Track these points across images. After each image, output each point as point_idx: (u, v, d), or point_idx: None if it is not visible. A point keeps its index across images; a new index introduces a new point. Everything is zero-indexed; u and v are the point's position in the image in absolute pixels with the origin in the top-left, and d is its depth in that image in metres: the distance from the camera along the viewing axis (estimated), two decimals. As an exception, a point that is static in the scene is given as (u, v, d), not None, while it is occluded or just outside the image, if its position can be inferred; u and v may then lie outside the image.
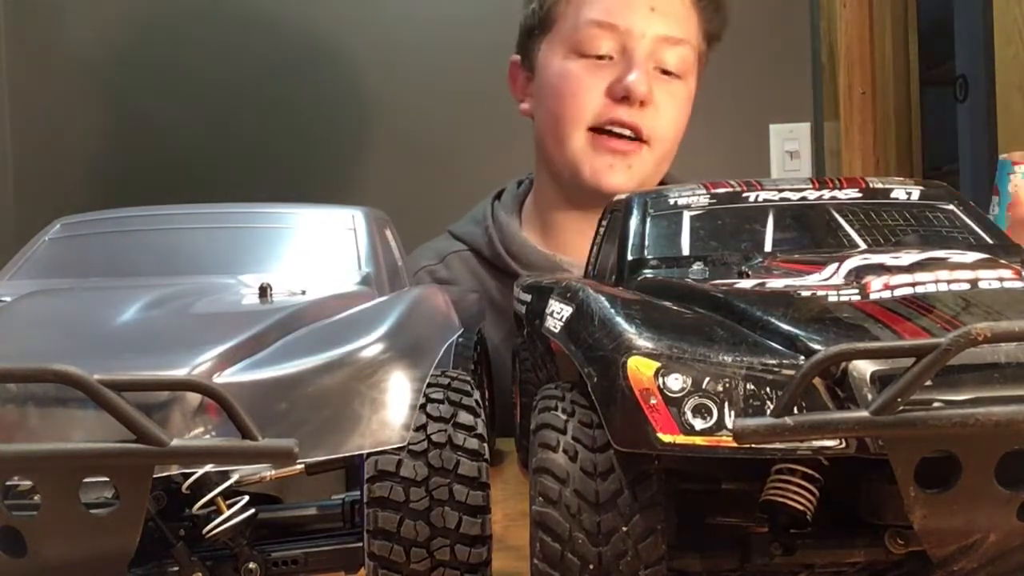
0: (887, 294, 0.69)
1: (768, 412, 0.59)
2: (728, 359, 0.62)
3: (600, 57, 1.46)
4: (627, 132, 1.45)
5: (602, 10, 1.46)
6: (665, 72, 1.47)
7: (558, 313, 0.82)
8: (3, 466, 0.58)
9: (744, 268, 0.85)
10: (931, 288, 0.68)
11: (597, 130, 1.46)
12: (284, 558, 0.70)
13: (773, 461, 0.67)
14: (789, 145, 2.24)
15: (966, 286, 0.68)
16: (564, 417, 0.68)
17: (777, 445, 0.59)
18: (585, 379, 0.68)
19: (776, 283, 0.77)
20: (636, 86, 1.42)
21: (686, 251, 0.93)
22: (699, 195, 0.99)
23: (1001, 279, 0.69)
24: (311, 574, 0.70)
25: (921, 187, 0.98)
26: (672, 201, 0.99)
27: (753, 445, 0.59)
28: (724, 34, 1.59)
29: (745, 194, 0.98)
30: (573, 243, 1.51)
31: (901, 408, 0.56)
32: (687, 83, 1.51)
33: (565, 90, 1.47)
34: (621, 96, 1.43)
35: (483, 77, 1.97)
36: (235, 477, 0.66)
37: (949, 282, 0.69)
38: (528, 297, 1.14)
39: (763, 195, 0.97)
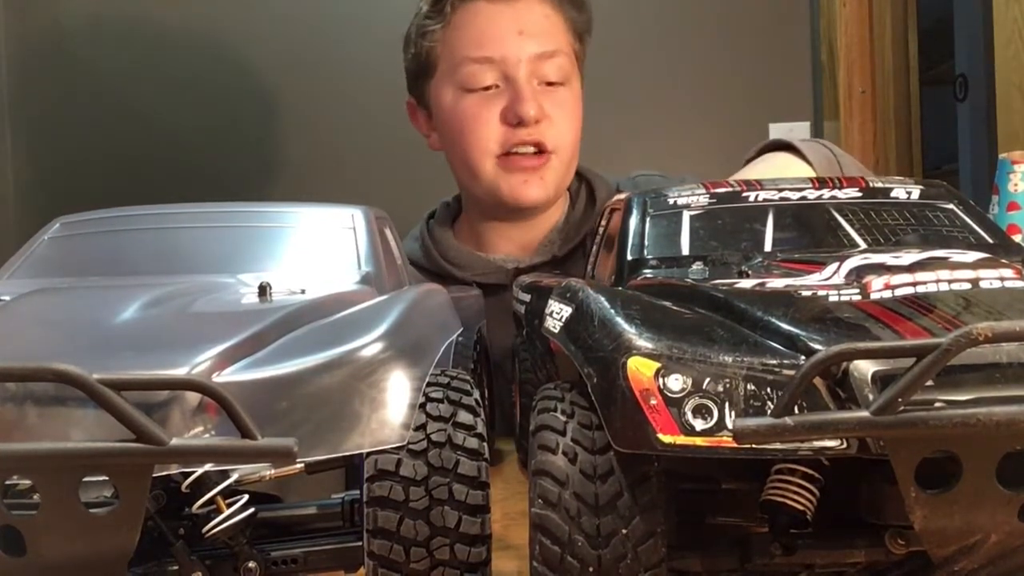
0: (888, 294, 0.69)
1: (768, 412, 0.59)
2: (728, 359, 0.62)
3: (487, 88, 1.53)
4: (531, 149, 1.54)
5: (474, 45, 1.53)
6: (550, 83, 1.55)
7: (558, 313, 0.82)
8: (2, 465, 0.58)
9: (744, 268, 0.85)
10: (932, 288, 0.68)
11: (504, 154, 1.54)
12: (284, 557, 0.69)
13: (773, 461, 0.67)
14: (789, 145, 2.24)
15: (967, 286, 0.68)
16: (563, 419, 0.68)
17: (777, 445, 0.59)
18: (585, 379, 0.68)
19: (776, 283, 0.77)
20: (526, 111, 1.50)
21: (686, 251, 0.93)
22: (699, 195, 0.99)
23: (1002, 278, 0.69)
24: (311, 573, 0.70)
25: (921, 186, 0.98)
26: (672, 201, 0.99)
27: (753, 445, 0.59)
28: (592, 28, 1.66)
29: (745, 194, 0.98)
30: (503, 244, 1.65)
31: (902, 408, 0.56)
32: (571, 86, 1.59)
33: (464, 127, 1.55)
34: (516, 122, 1.51)
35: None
36: (235, 476, 0.66)
37: (950, 282, 0.69)
38: (528, 297, 1.14)
39: (763, 195, 0.97)
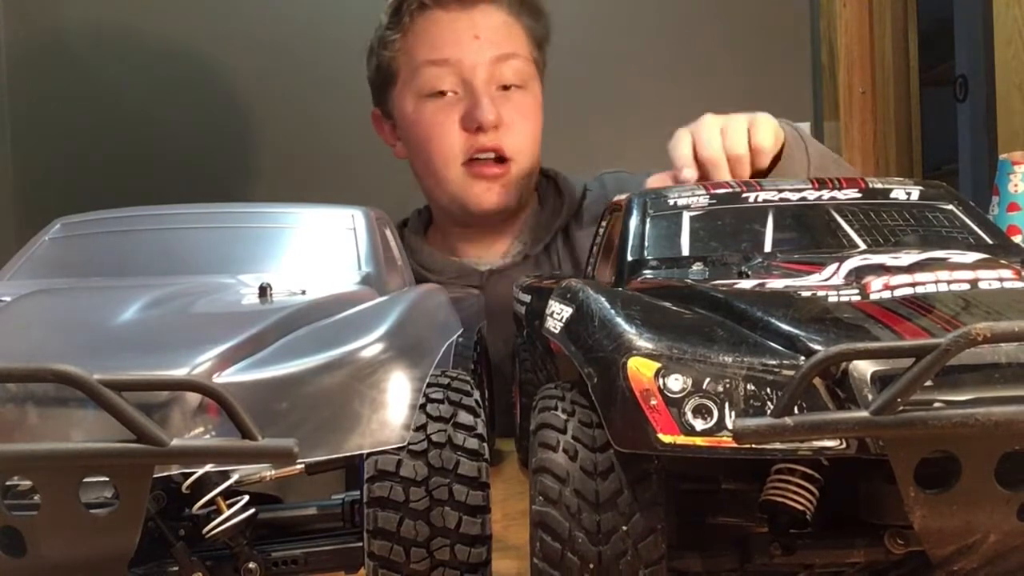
0: (887, 294, 0.69)
1: (768, 412, 0.59)
2: (728, 359, 0.62)
3: (444, 93, 1.55)
4: (492, 155, 1.56)
5: (431, 48, 1.56)
6: (507, 87, 1.57)
7: (558, 314, 0.82)
8: (3, 466, 0.58)
9: (744, 268, 0.85)
10: (931, 288, 0.68)
11: (468, 161, 1.56)
12: (284, 558, 0.69)
13: (773, 461, 0.67)
14: (789, 145, 2.24)
15: (966, 286, 0.68)
16: (564, 417, 0.68)
17: (777, 445, 0.59)
18: (585, 379, 0.68)
19: (776, 283, 0.77)
20: (484, 116, 1.52)
21: (686, 251, 0.93)
22: (699, 195, 0.99)
23: (1001, 279, 0.69)
24: (311, 574, 0.70)
25: (921, 187, 0.98)
26: (672, 202, 0.99)
27: (753, 445, 0.59)
28: (551, 36, 1.68)
29: (745, 194, 0.98)
30: (473, 248, 1.68)
31: (901, 408, 0.56)
32: (531, 90, 1.61)
33: (425, 135, 1.58)
34: (475, 127, 1.53)
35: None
36: (235, 477, 0.66)
37: (949, 282, 0.69)
38: (528, 298, 1.14)
39: (763, 195, 0.97)
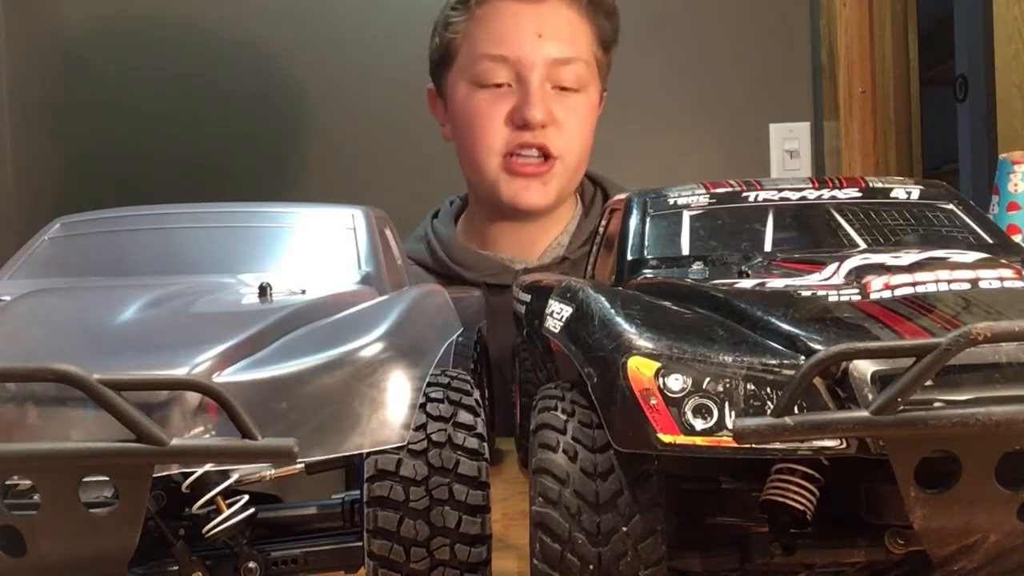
0: (887, 294, 0.69)
1: (768, 412, 0.59)
2: (728, 359, 0.62)
3: (499, 85, 1.54)
4: (535, 153, 1.54)
5: (492, 42, 1.54)
6: (563, 88, 1.55)
7: (558, 313, 0.82)
8: (3, 465, 0.58)
9: (744, 268, 0.85)
10: (931, 288, 0.68)
11: (508, 155, 1.55)
12: (284, 557, 0.69)
13: (773, 461, 0.67)
14: (789, 145, 2.25)
15: (966, 286, 0.68)
16: (564, 417, 0.68)
17: (777, 445, 0.59)
18: (585, 379, 0.68)
19: (776, 283, 0.77)
20: (532, 115, 1.51)
21: (686, 251, 0.93)
22: (699, 195, 0.99)
23: (1001, 279, 0.69)
24: (311, 573, 0.70)
25: (921, 187, 0.98)
26: (672, 201, 0.99)
27: (753, 445, 0.59)
28: (617, 38, 1.65)
29: (745, 194, 0.98)
30: (508, 244, 1.65)
31: (901, 408, 0.56)
32: (587, 94, 1.58)
33: (472, 123, 1.56)
34: (521, 124, 1.52)
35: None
36: (235, 476, 0.66)
37: (949, 282, 0.69)
38: (528, 297, 1.14)
39: (763, 195, 0.97)
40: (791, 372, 0.60)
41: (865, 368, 0.60)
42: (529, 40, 1.52)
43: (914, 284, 0.69)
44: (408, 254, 1.70)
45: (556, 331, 0.81)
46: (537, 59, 1.52)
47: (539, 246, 1.64)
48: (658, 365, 0.63)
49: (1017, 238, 1.22)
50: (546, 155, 1.54)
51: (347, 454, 0.66)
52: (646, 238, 0.96)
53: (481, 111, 1.54)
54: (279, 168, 2.23)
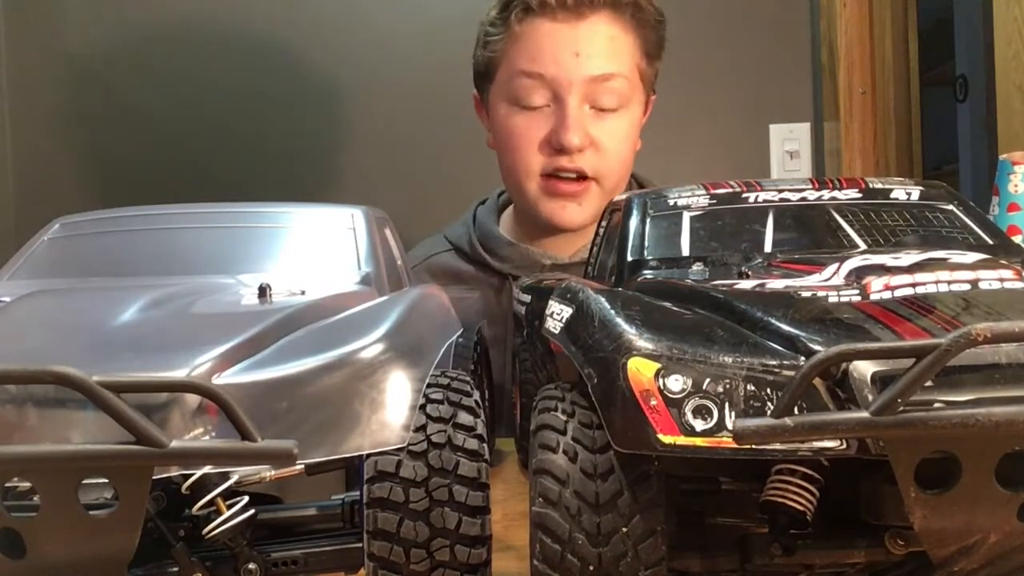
0: (887, 295, 0.69)
1: (768, 413, 0.59)
2: (728, 360, 0.62)
3: (537, 108, 1.52)
4: (572, 175, 1.53)
5: (528, 59, 1.52)
6: (602, 109, 1.53)
7: (558, 314, 0.82)
8: (2, 467, 0.58)
9: (744, 269, 0.85)
10: (931, 289, 0.68)
11: (547, 176, 1.54)
12: (284, 558, 0.69)
13: (773, 462, 0.67)
14: (789, 145, 2.25)
15: (966, 286, 0.68)
16: (564, 418, 0.68)
17: (777, 446, 0.59)
18: (585, 380, 0.68)
19: (776, 284, 0.77)
20: (569, 140, 1.49)
21: (686, 252, 0.93)
22: (699, 195, 0.99)
23: (1001, 279, 0.69)
24: (311, 574, 0.70)
25: (921, 187, 0.98)
26: (672, 202, 0.99)
27: (753, 446, 0.59)
28: (665, 46, 1.63)
29: (745, 194, 0.98)
30: (549, 242, 1.63)
31: (901, 409, 0.56)
32: (628, 111, 1.56)
33: (510, 144, 1.56)
34: (558, 148, 1.51)
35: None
36: (235, 478, 0.66)
37: (949, 283, 0.69)
38: (528, 298, 1.14)
39: (763, 195, 0.97)
40: (791, 373, 0.60)
41: (865, 369, 0.60)
42: (566, 59, 1.50)
43: (914, 285, 0.69)
44: (449, 237, 1.73)
45: (556, 332, 0.81)
46: (574, 79, 1.49)
47: (576, 244, 1.63)
48: (658, 366, 0.63)
49: (1017, 239, 1.22)
50: (582, 176, 1.53)
51: (347, 455, 0.66)
52: (646, 239, 0.95)
53: (520, 135, 1.54)
54: (279, 168, 2.23)
